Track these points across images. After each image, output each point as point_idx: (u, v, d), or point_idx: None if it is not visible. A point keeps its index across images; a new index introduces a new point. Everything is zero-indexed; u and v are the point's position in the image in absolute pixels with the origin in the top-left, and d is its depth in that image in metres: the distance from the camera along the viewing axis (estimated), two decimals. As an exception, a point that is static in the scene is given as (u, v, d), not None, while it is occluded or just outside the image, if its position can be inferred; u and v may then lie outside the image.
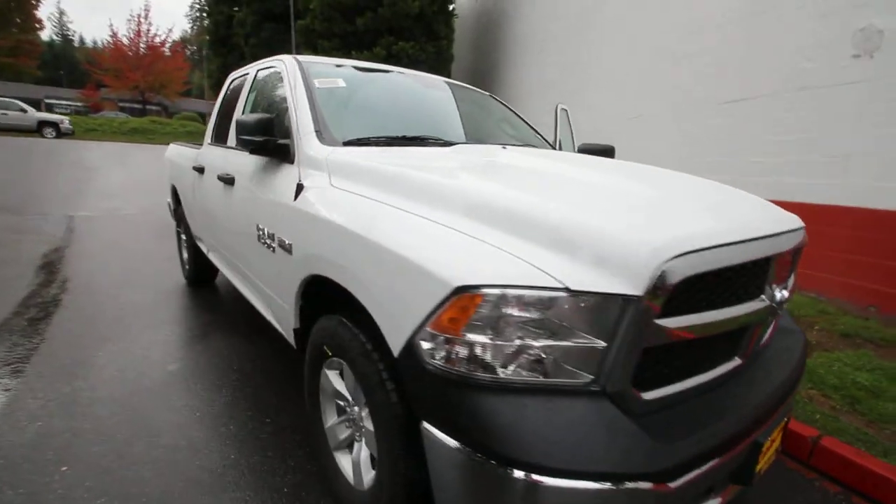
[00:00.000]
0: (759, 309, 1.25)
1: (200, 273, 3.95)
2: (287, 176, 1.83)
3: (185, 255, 4.16)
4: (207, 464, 1.83)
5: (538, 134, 2.85)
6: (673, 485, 1.02)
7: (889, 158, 3.23)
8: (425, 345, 1.10)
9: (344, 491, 1.58)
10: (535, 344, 1.03)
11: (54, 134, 20.99)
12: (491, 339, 1.04)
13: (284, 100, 2.14)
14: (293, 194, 1.68)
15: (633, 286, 1.00)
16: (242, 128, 1.90)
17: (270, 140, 1.88)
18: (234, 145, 2.58)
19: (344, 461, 1.63)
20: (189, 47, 48.49)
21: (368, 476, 1.48)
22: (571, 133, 3.24)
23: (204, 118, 38.20)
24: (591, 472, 0.97)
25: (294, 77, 2.09)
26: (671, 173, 1.61)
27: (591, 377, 1.04)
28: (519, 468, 0.98)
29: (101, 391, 2.31)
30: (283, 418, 2.17)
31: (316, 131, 1.83)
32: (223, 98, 3.10)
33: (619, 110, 5.96)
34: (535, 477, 0.97)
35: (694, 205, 1.31)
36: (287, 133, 1.94)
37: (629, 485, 0.98)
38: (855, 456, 1.88)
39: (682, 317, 1.08)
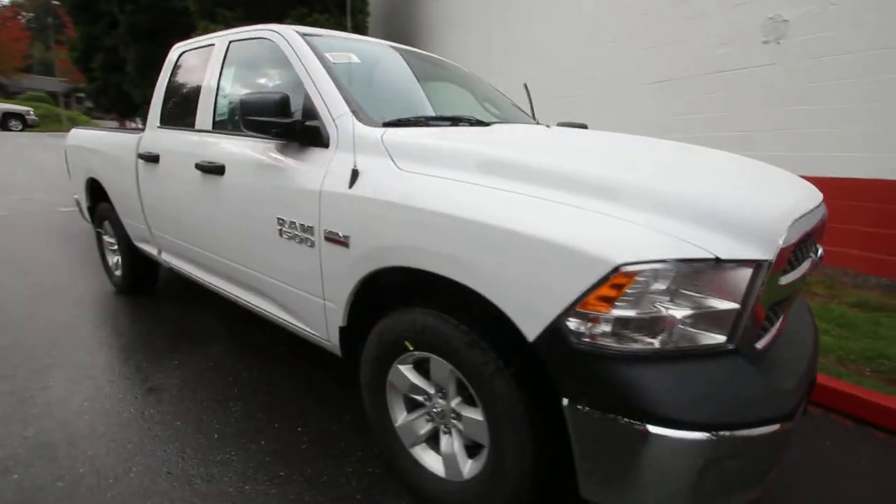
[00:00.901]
0: (810, 266, 1.45)
1: (139, 279, 3.45)
2: (323, 161, 1.66)
3: (115, 260, 3.59)
4: (259, 486, 1.65)
5: (523, 111, 2.90)
6: (792, 423, 1.16)
7: (795, 132, 3.83)
8: (572, 325, 1.11)
9: (432, 485, 1.53)
10: (682, 312, 1.08)
11: (21, 126, 18.79)
12: (641, 312, 1.08)
13: (287, 76, 1.92)
14: (346, 181, 1.53)
15: (766, 251, 1.10)
16: (258, 108, 1.68)
17: (298, 122, 1.68)
18: (210, 128, 2.26)
19: (426, 456, 1.57)
20: (23, 14, 40.22)
21: (467, 466, 1.45)
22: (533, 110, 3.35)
23: (56, 98, 32.36)
24: (747, 421, 1.07)
25: (302, 51, 1.87)
26: (705, 148, 1.74)
27: (725, 337, 1.12)
28: (686, 429, 1.04)
29: (78, 427, 1.95)
30: (315, 424, 2.02)
31: (352, 112, 1.67)
32: (170, 75, 2.67)
33: (546, 90, 6.22)
34: (700, 435, 1.04)
35: (770, 176, 1.45)
36: (310, 114, 1.75)
37: (771, 428, 1.10)
38: (826, 380, 2.27)
39: (787, 275, 1.21)
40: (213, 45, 2.38)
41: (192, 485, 1.65)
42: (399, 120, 1.72)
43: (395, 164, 1.48)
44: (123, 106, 12.76)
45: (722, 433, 1.06)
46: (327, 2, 8.78)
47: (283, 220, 1.78)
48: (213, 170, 2.10)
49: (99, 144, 3.26)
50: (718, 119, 4.34)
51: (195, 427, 1.98)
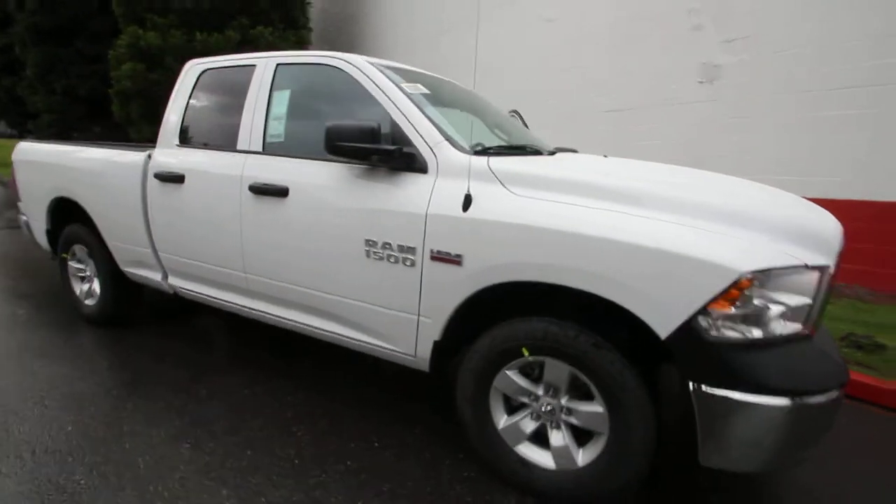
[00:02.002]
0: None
1: (121, 306, 3.15)
2: (424, 186, 1.76)
3: (85, 288, 3.25)
4: (371, 503, 1.68)
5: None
6: (845, 388, 1.52)
7: (727, 158, 4.58)
8: (702, 322, 1.36)
9: (543, 478, 1.68)
10: (777, 308, 1.39)
11: None
12: (751, 309, 1.36)
13: (360, 103, 2.01)
14: (458, 205, 1.67)
15: (829, 259, 1.45)
16: (350, 135, 1.76)
17: (398, 149, 1.78)
18: (260, 150, 2.23)
19: (531, 453, 1.73)
20: None
21: (580, 455, 1.64)
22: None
23: None
24: (829, 385, 1.40)
25: (382, 82, 1.97)
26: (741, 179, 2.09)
27: (801, 325, 1.45)
28: (787, 397, 1.34)
29: (133, 467, 1.81)
30: (390, 439, 2.05)
31: (447, 140, 1.81)
32: (191, 92, 2.56)
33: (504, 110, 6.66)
34: (795, 401, 1.34)
35: (802, 200, 1.82)
36: (399, 141, 1.85)
37: (836, 393, 1.44)
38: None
39: (830, 276, 1.59)
40: (253, 65, 2.35)
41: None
42: (487, 149, 1.89)
43: (507, 189, 1.65)
44: (15, 114, 11.10)
45: (810, 399, 1.38)
46: (271, 15, 8.54)
47: (373, 241, 1.85)
48: (274, 192, 2.09)
49: (79, 161, 2.96)
50: (665, 145, 5.02)
51: (268, 454, 1.93)
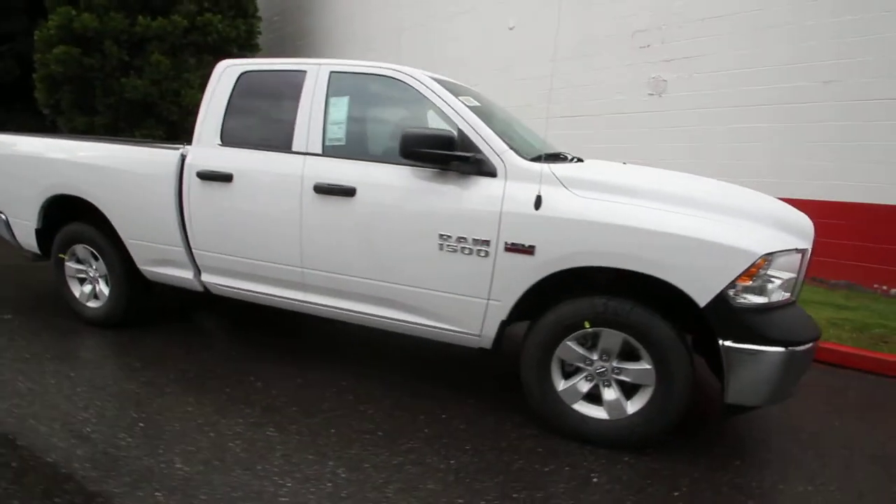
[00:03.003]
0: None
1: (132, 307, 3.09)
2: (495, 188, 2.06)
3: (87, 289, 3.14)
4: (462, 458, 1.96)
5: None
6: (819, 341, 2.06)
7: (672, 162, 5.30)
8: (730, 293, 1.81)
9: (599, 428, 2.06)
10: (777, 281, 1.88)
11: None
12: (761, 281, 1.84)
13: (419, 113, 2.27)
14: (530, 204, 1.99)
15: (808, 243, 1.97)
16: (428, 142, 2.02)
17: (472, 156, 2.06)
18: (319, 152, 2.38)
19: (585, 409, 2.10)
20: None
21: (627, 405, 2.04)
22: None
23: None
24: (809, 338, 1.91)
25: (444, 94, 2.22)
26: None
27: (789, 294, 1.96)
28: (786, 347, 1.83)
29: (233, 453, 1.94)
30: (453, 412, 2.32)
31: (512, 149, 2.12)
32: (231, 94, 2.62)
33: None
34: (790, 349, 1.84)
35: (779, 200, 2.35)
36: (466, 148, 2.12)
37: (813, 343, 1.96)
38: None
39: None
40: (303, 71, 2.48)
41: (403, 469, 1.88)
42: (539, 156, 2.23)
43: (570, 191, 2.00)
44: None
45: (797, 348, 1.88)
46: (221, 2, 8.15)
47: (447, 235, 2.12)
48: (341, 191, 2.27)
49: (93, 157, 2.86)
50: (617, 149, 5.67)
51: (351, 430, 2.13)
